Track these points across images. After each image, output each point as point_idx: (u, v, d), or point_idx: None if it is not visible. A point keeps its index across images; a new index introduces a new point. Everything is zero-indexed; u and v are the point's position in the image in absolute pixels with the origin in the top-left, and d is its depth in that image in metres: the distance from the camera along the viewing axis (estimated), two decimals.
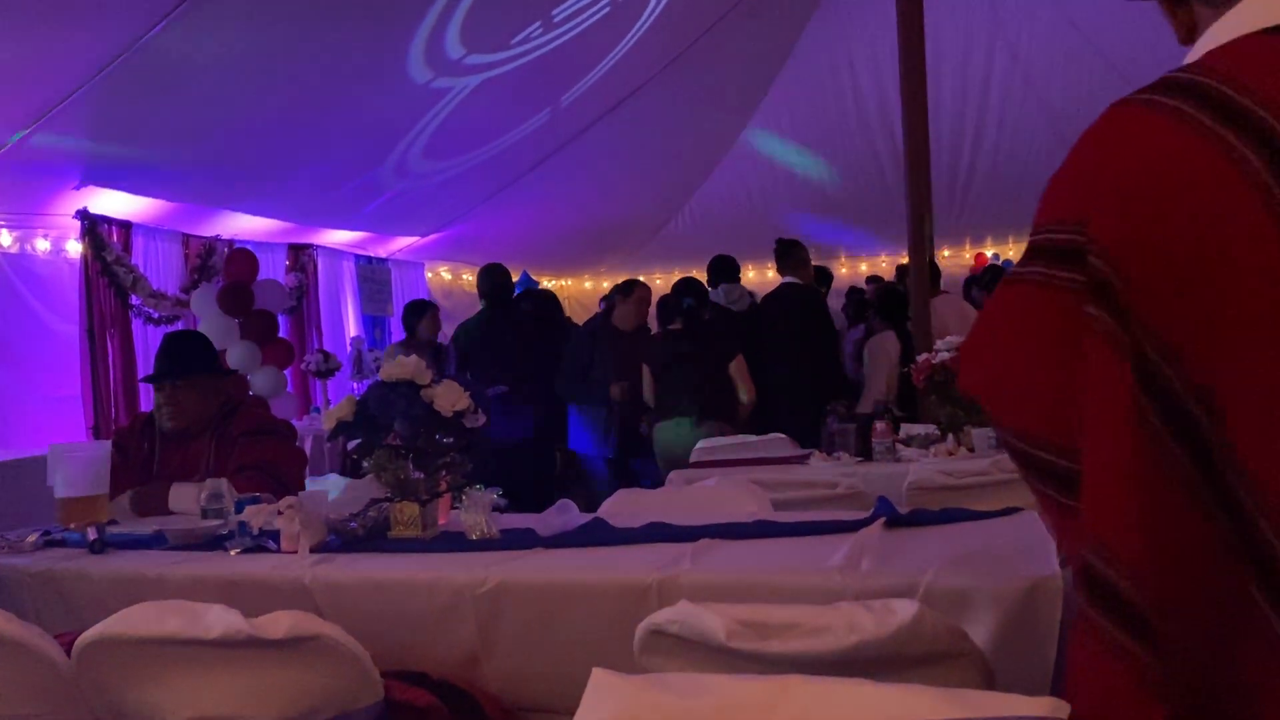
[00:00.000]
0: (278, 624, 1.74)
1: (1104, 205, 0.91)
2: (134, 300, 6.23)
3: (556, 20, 6.56)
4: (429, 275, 10.09)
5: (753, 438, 4.53)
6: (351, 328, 8.60)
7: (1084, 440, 0.90)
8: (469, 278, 10.86)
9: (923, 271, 4.94)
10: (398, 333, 7.52)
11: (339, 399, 7.49)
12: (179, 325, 6.54)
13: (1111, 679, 0.87)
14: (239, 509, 2.61)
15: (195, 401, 3.18)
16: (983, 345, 1.03)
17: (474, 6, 5.83)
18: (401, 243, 9.32)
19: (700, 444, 4.49)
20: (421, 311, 6.60)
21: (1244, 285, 0.86)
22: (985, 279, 7.53)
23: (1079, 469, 0.91)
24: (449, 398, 2.44)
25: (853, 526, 2.35)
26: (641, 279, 6.31)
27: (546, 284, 10.21)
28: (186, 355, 3.27)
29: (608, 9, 6.78)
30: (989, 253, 10.38)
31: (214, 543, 2.58)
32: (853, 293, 8.16)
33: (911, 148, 5.03)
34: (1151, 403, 0.88)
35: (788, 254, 6.10)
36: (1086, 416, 0.90)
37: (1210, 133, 0.87)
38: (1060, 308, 0.91)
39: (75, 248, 6.00)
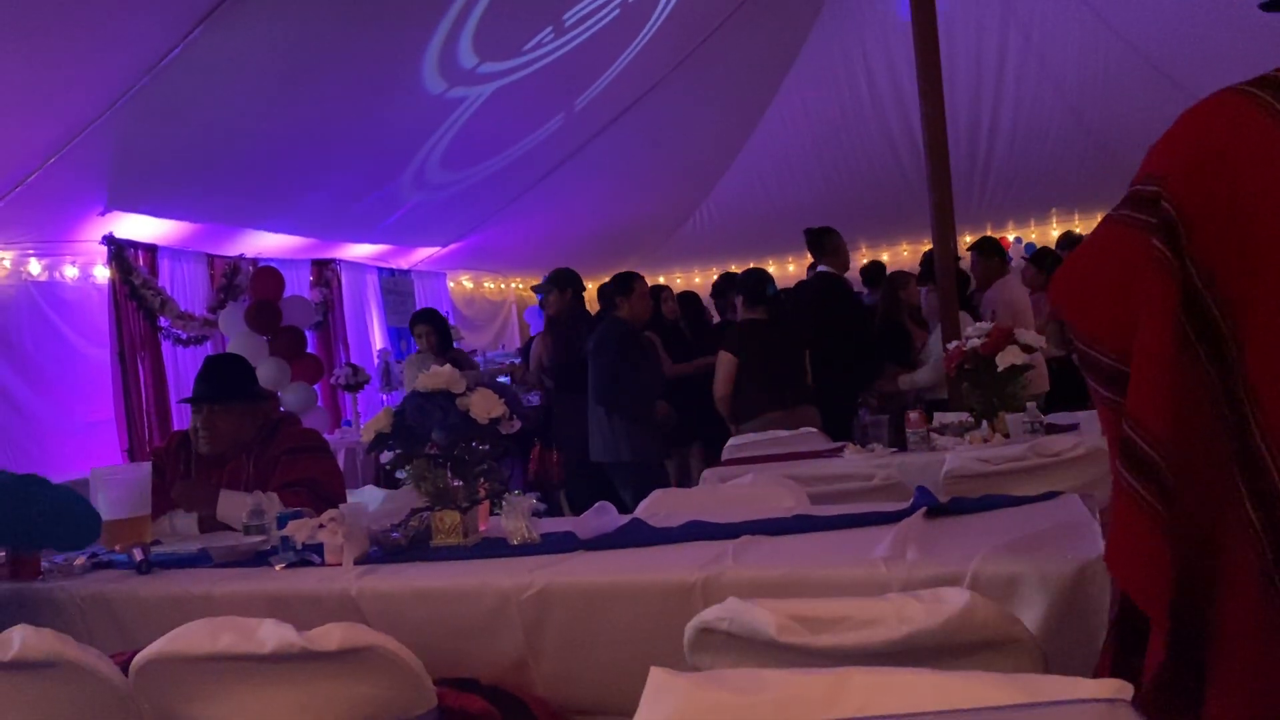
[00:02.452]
0: (330, 636, 1.75)
1: (1179, 165, 1.18)
2: (163, 322, 6.30)
3: (567, 25, 6.58)
4: (451, 285, 10.14)
5: (783, 433, 4.53)
6: (378, 340, 8.65)
7: (1135, 341, 1.17)
8: (490, 285, 10.91)
9: (948, 262, 4.91)
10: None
11: (369, 412, 7.50)
12: (208, 345, 6.61)
13: (1136, 524, 1.14)
14: (281, 524, 2.63)
15: (232, 426, 3.20)
16: (1073, 267, 1.31)
17: (486, 15, 5.86)
18: (423, 254, 9.37)
19: (732, 441, 4.49)
20: (412, 325, 6.59)
21: (1267, 233, 1.12)
22: (1038, 258, 7.40)
23: (1127, 371, 1.18)
24: (484, 405, 2.45)
25: (894, 517, 2.34)
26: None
27: None
28: (226, 380, 3.28)
29: (617, 11, 6.79)
30: (1011, 236, 10.31)
31: (258, 559, 2.61)
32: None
33: (931, 137, 4.99)
34: (1190, 321, 1.15)
35: (821, 241, 5.95)
36: (1140, 322, 1.16)
37: (1277, 115, 1.12)
38: (1133, 241, 1.19)
39: (103, 273, 6.07)
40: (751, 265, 7.89)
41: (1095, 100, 8.30)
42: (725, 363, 5.12)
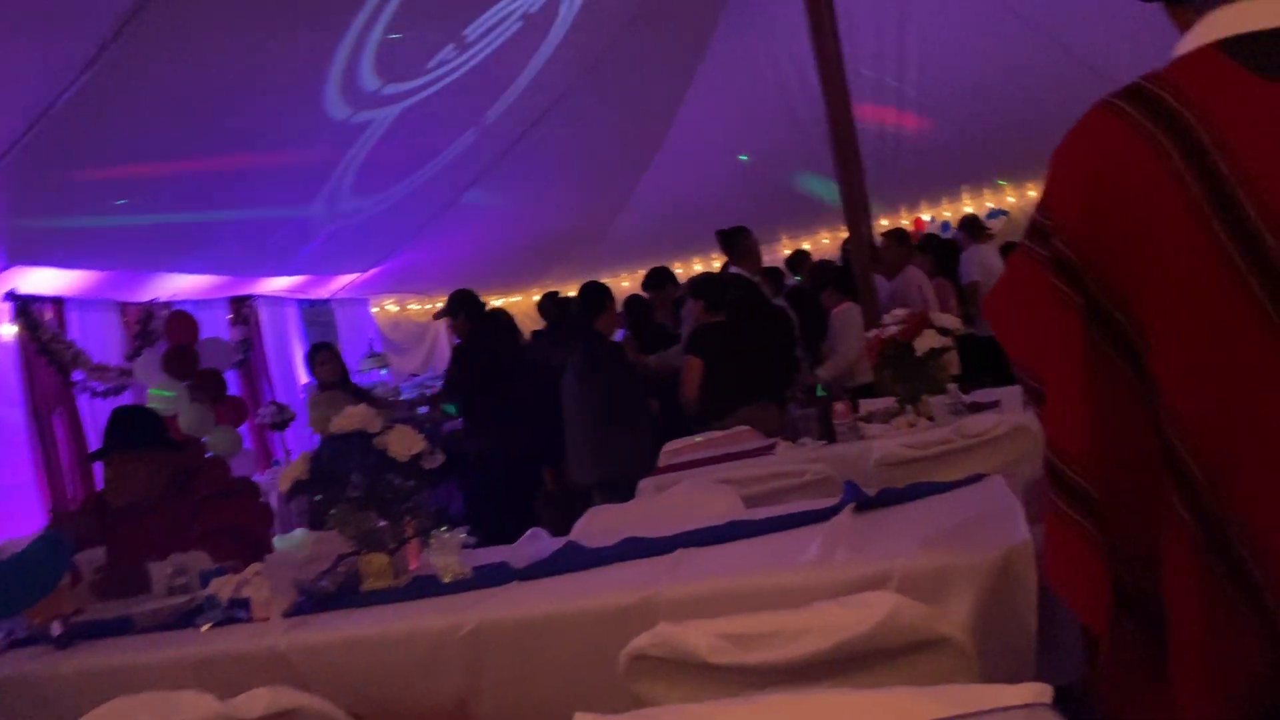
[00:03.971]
0: (255, 702, 1.69)
1: (1065, 200, 1.22)
2: (76, 376, 6.09)
3: (469, 40, 6.52)
4: (375, 310, 9.98)
5: (716, 433, 4.53)
6: (302, 375, 8.48)
7: (1046, 373, 1.24)
8: (416, 307, 10.76)
9: (863, 250, 4.97)
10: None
11: (299, 448, 7.33)
12: (127, 395, 6.42)
13: (1070, 542, 1.18)
14: (204, 582, 2.55)
15: (142, 474, 3.11)
16: (998, 295, 1.38)
17: (385, 37, 5.78)
18: (343, 281, 9.21)
19: (667, 446, 4.48)
20: (312, 356, 6.48)
21: (1163, 254, 1.16)
22: (925, 245, 7.56)
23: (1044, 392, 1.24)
24: (403, 443, 2.40)
25: (824, 515, 2.35)
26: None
27: (496, 303, 10.12)
28: (131, 428, 3.22)
29: (520, 24, 6.75)
30: (926, 217, 10.47)
31: (183, 619, 2.52)
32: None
33: (837, 131, 5.05)
34: (1107, 339, 1.19)
35: (733, 242, 5.89)
36: (1047, 355, 1.23)
37: (1151, 137, 1.15)
38: (1035, 276, 1.24)
39: (9, 330, 5.85)
40: (707, 268, 7.83)
41: (999, 74, 8.45)
42: (692, 367, 5.15)
